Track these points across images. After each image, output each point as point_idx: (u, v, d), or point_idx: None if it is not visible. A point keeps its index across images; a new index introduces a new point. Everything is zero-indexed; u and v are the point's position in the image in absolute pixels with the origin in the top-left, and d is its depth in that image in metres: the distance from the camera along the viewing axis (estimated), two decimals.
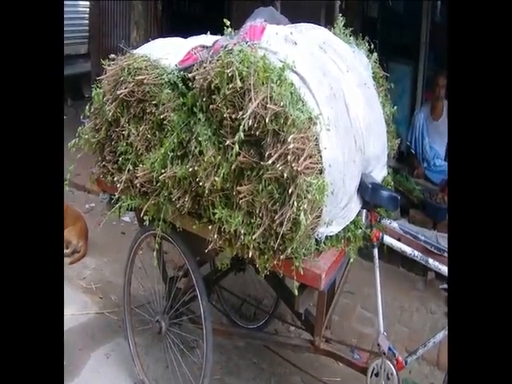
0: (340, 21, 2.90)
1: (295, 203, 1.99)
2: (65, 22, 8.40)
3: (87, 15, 9.07)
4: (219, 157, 2.21)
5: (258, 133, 2.07)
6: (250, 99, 2.05)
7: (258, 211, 2.13)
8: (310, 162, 2.03)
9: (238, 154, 2.13)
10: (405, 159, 5.64)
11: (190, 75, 2.37)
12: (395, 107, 2.97)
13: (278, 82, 2.10)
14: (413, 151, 5.61)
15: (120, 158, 2.67)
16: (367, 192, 2.48)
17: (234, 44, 2.24)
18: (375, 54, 2.90)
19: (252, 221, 2.16)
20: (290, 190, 2.01)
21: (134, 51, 2.74)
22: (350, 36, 2.87)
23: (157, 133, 2.50)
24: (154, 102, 2.47)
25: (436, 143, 5.52)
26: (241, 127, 2.05)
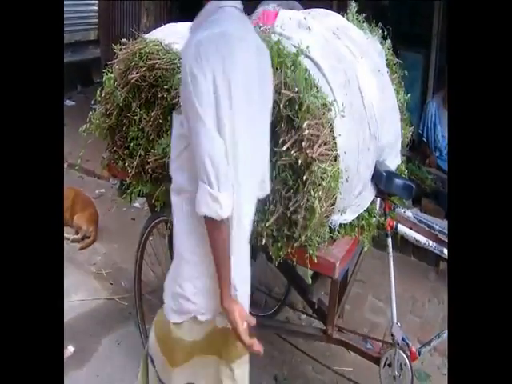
0: (353, 7, 2.86)
1: (310, 190, 1.97)
2: (74, 8, 8.41)
3: (96, 1, 9.03)
4: None
5: (271, 118, 2.04)
6: None
7: (271, 198, 2.10)
8: (325, 149, 2.01)
9: None
10: (416, 148, 5.58)
11: None
12: (409, 95, 2.93)
13: (293, 67, 2.07)
14: (425, 140, 5.56)
15: (131, 144, 2.67)
16: (381, 180, 2.45)
17: None
18: (388, 41, 2.86)
19: (265, 208, 2.14)
20: (304, 177, 1.99)
21: (146, 36, 2.71)
22: (364, 22, 2.83)
23: (169, 118, 2.48)
24: (165, 87, 2.45)
25: None
26: None
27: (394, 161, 2.72)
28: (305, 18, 2.39)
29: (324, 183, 1.97)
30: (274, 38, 2.15)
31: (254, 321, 1.85)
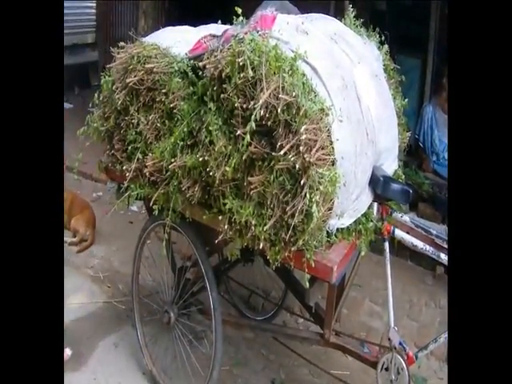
0: (350, 12, 2.87)
1: (307, 195, 1.97)
2: (72, 11, 8.39)
3: (94, 4, 9.02)
4: (230, 147, 2.19)
5: (269, 123, 2.05)
6: (262, 89, 2.02)
7: (269, 202, 2.11)
8: (322, 154, 2.01)
9: (249, 145, 2.11)
10: (413, 152, 5.59)
11: (200, 64, 2.35)
12: (406, 100, 2.94)
13: (290, 72, 2.07)
14: (421, 144, 5.56)
15: (129, 147, 2.67)
16: (379, 185, 2.45)
17: (245, 33, 2.22)
18: (386, 46, 2.87)
19: (263, 212, 2.14)
20: (301, 182, 1.99)
21: (144, 39, 2.72)
22: (361, 27, 2.84)
23: (166, 122, 2.48)
24: (163, 91, 2.46)
25: (445, 136, 5.46)
26: (252, 117, 2.03)
27: (391, 165, 2.72)
28: (302, 23, 2.39)
29: (321, 188, 1.97)
30: (272, 42, 2.15)
31: None
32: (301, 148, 1.96)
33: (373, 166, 2.46)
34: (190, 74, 2.41)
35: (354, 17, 2.84)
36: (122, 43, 2.75)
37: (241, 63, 2.07)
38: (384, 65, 2.84)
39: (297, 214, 2.00)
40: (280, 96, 1.99)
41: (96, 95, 2.82)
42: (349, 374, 3.20)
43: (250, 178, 2.15)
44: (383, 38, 2.86)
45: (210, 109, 2.25)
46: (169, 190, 2.48)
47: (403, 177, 2.91)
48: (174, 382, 3.15)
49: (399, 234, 2.57)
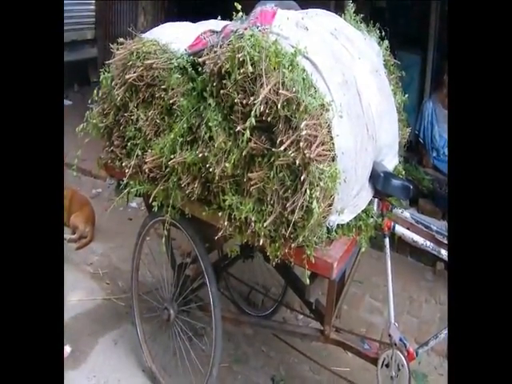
0: (350, 7, 2.86)
1: (307, 191, 1.96)
2: (71, 8, 8.36)
3: (94, 1, 8.99)
4: (230, 143, 2.18)
5: (269, 119, 2.04)
6: (262, 84, 2.01)
7: (269, 198, 2.10)
8: (323, 149, 2.00)
9: (249, 140, 2.10)
10: (413, 148, 5.59)
11: (199, 60, 2.34)
12: (406, 95, 2.93)
13: (290, 67, 2.06)
14: (421, 140, 5.56)
15: (128, 143, 2.65)
16: (379, 181, 2.44)
17: (245, 28, 2.20)
18: (386, 42, 2.86)
19: (263, 208, 2.13)
20: (302, 178, 1.98)
21: (143, 35, 2.71)
22: (361, 23, 2.83)
23: (166, 118, 2.48)
24: (163, 87, 2.44)
25: (445, 132, 5.46)
26: (252, 113, 2.01)
27: (391, 161, 2.72)
28: (302, 18, 2.38)
29: (322, 184, 1.96)
30: (272, 38, 2.14)
31: None
32: (301, 144, 1.95)
33: (373, 162, 2.45)
34: (189, 69, 2.40)
35: (354, 12, 2.83)
36: (121, 39, 2.73)
37: (240, 59, 2.05)
38: (384, 60, 2.83)
39: (297, 210, 1.99)
40: (280, 91, 1.98)
41: (95, 92, 2.80)
42: (349, 370, 3.19)
43: (249, 174, 2.14)
44: (383, 33, 2.85)
45: (209, 105, 2.24)
46: (168, 187, 2.47)
47: (403, 172, 2.90)
48: (174, 378, 3.15)
49: (399, 229, 2.56)
